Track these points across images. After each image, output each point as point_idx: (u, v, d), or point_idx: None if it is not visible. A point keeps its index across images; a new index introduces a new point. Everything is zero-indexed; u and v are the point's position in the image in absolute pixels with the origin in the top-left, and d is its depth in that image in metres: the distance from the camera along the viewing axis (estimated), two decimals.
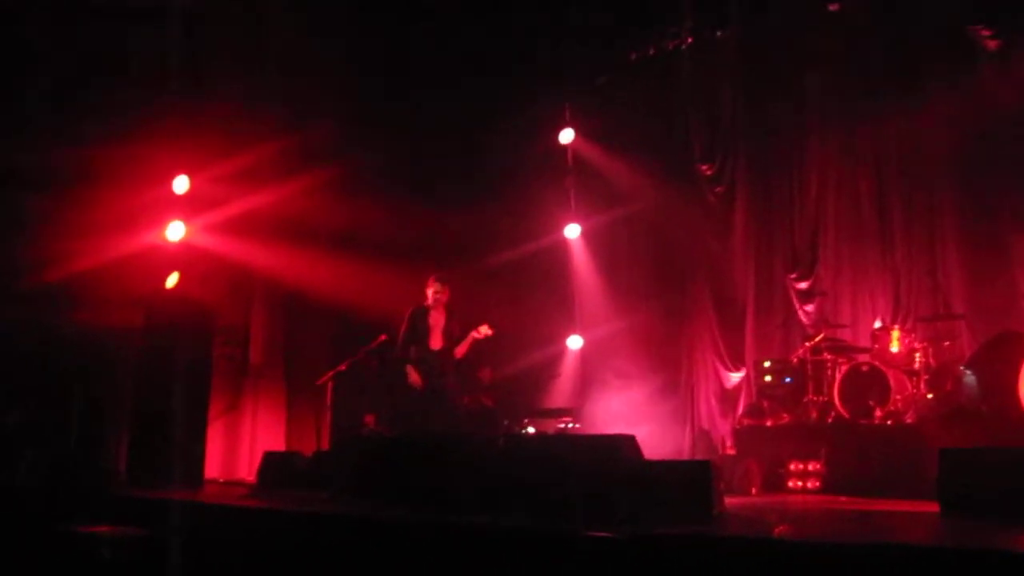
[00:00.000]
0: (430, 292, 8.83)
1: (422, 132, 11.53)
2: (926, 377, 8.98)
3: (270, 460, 8.86)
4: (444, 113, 11.56)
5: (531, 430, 10.30)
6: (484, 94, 11.38)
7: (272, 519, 6.69)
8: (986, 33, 9.46)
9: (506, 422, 10.48)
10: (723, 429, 10.78)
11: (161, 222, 10.45)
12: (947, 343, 9.29)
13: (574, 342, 11.80)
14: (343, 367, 9.63)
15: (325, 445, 10.51)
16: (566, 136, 11.99)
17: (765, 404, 9.93)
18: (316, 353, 11.45)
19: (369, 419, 11.04)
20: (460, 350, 8.81)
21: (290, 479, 8.39)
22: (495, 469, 6.82)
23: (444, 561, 5.51)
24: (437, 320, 8.82)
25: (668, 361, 11.39)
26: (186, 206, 10.60)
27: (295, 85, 11.24)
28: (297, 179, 10.83)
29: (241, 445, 11.09)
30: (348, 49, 11.40)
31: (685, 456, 10.35)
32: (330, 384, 9.64)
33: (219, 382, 11.06)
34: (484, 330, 8.69)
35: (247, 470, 10.51)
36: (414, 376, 8.69)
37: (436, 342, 8.79)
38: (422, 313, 8.82)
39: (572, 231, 11.99)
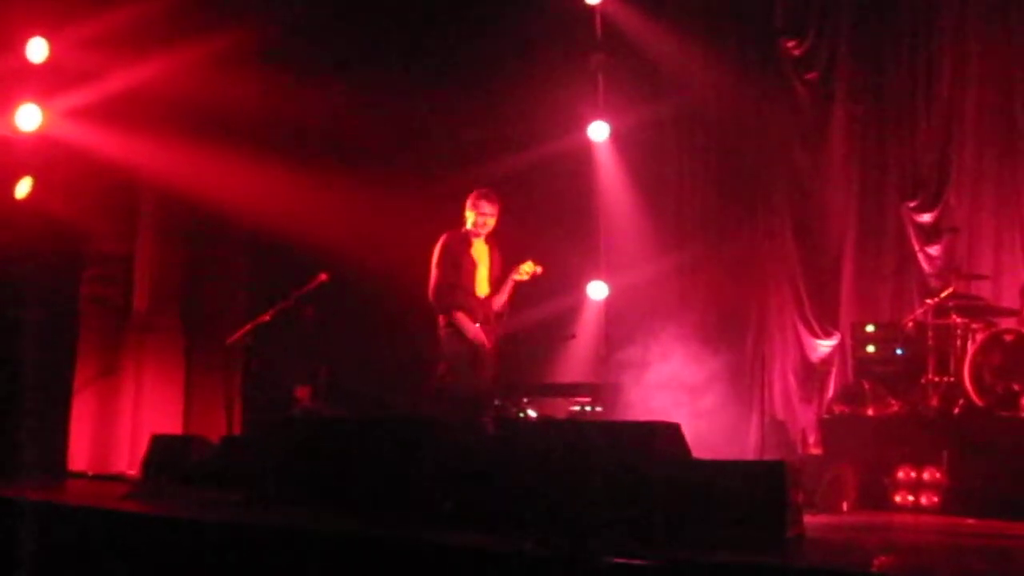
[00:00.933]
0: (475, 213, 8.68)
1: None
2: None
3: (160, 447, 8.92)
4: None
5: (532, 413, 10.35)
6: None
7: (161, 529, 6.75)
8: None
9: (498, 401, 10.52)
10: (805, 419, 10.86)
11: (7, 105, 10.37)
12: None
13: (597, 290, 11.80)
14: (266, 318, 9.64)
15: (239, 428, 10.56)
16: None
17: (866, 386, 9.98)
18: (228, 298, 11.47)
19: (302, 393, 11.08)
20: (500, 300, 8.79)
21: (188, 474, 8.44)
22: (481, 467, 6.89)
23: None
24: (481, 255, 8.75)
25: (730, 322, 11.41)
26: (43, 82, 10.51)
27: None
28: (205, 43, 10.71)
29: (120, 425, 11.13)
30: None
31: (750, 455, 10.40)
32: (247, 343, 9.65)
33: (90, 336, 11.11)
34: (527, 269, 8.68)
35: (128, 460, 10.57)
36: (472, 329, 8.57)
37: (482, 286, 8.75)
38: (462, 242, 8.71)
39: (599, 131, 11.94)
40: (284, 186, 10.94)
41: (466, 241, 8.65)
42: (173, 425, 11.00)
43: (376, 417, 9.20)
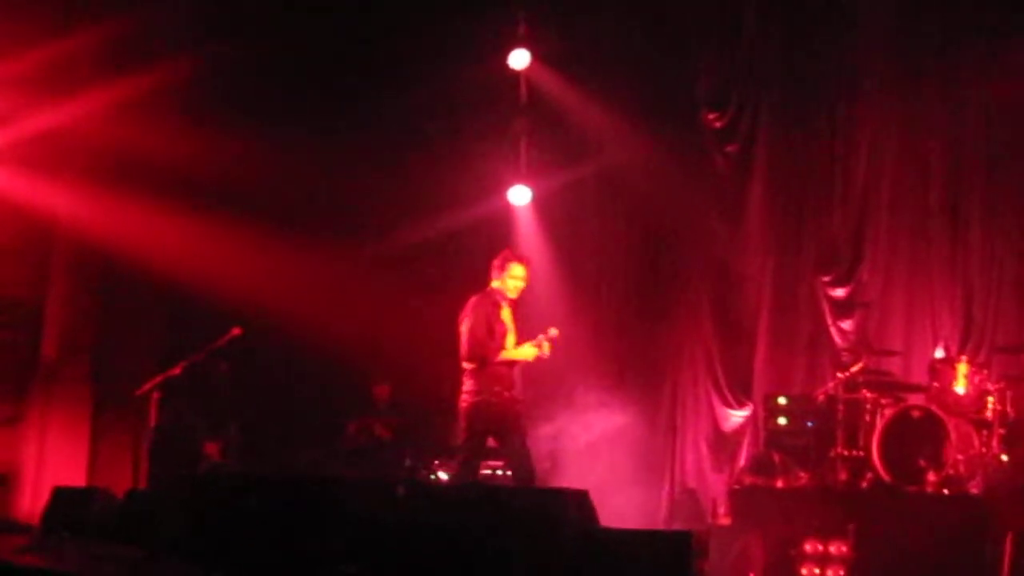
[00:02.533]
0: (508, 276, 8.60)
1: (307, 42, 11.38)
2: (1001, 431, 9.22)
3: (63, 499, 8.69)
4: (340, 18, 11.45)
5: (443, 476, 10.28)
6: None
7: None
8: None
9: (408, 462, 10.46)
10: (715, 489, 10.89)
11: None
12: None
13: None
14: (176, 371, 9.48)
15: (144, 482, 10.37)
16: (518, 59, 11.95)
17: (776, 458, 10.05)
18: (139, 348, 11.27)
19: (211, 448, 10.94)
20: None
21: (91, 528, 8.26)
22: (390, 530, 6.81)
23: None
24: (509, 321, 8.59)
25: (644, 389, 11.45)
26: None
27: None
28: (128, 90, 10.60)
29: (23, 475, 10.86)
30: None
31: (660, 524, 10.43)
32: (156, 395, 9.50)
33: None
34: (552, 333, 8.55)
35: (28, 510, 10.32)
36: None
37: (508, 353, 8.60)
38: (494, 306, 8.55)
39: (519, 195, 11.97)
40: (201, 240, 10.81)
41: (497, 305, 8.55)
42: (77, 477, 10.74)
43: (284, 476, 9.07)
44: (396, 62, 11.69)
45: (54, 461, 10.90)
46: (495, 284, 8.60)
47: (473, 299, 8.56)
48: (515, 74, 12.01)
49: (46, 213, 10.75)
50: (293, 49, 11.30)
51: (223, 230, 10.83)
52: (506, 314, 8.56)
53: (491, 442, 11.13)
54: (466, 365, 8.46)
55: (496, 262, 8.65)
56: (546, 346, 8.45)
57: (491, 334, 8.40)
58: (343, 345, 11.13)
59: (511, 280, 8.56)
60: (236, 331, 9.66)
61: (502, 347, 8.45)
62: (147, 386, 9.54)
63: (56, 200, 10.66)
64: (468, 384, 8.48)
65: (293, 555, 6.92)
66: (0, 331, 10.83)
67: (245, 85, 11.22)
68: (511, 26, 12.03)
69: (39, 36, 10.38)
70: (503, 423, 8.45)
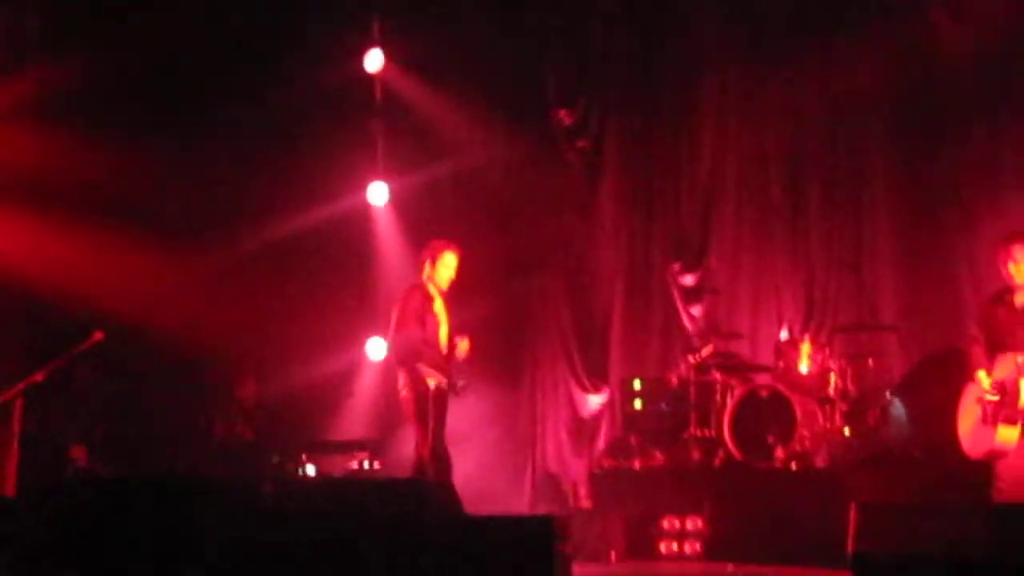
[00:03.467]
0: (441, 266, 8.47)
1: (166, 44, 11.16)
2: (843, 407, 9.44)
3: None
4: (200, 19, 11.25)
5: (311, 470, 10.20)
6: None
7: None
8: None
9: (276, 459, 10.36)
10: (576, 472, 10.99)
11: None
12: (871, 362, 9.82)
13: (375, 348, 11.75)
14: (39, 377, 9.26)
15: (11, 490, 10.10)
16: (373, 61, 11.91)
17: (633, 440, 10.20)
18: (1, 355, 10.97)
19: (78, 452, 10.69)
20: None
21: None
22: (258, 526, 6.74)
23: None
24: (442, 311, 8.44)
25: (505, 379, 11.46)
26: None
27: None
28: None
29: None
30: None
31: (524, 509, 10.47)
32: (20, 401, 9.26)
33: None
34: (464, 347, 8.49)
35: None
36: (437, 377, 8.30)
37: (443, 342, 8.47)
38: (425, 297, 8.41)
39: (378, 193, 11.93)
40: (60, 246, 10.56)
41: (428, 297, 8.41)
42: None
43: (150, 477, 8.89)
44: (255, 65, 11.50)
45: None
46: (425, 275, 8.46)
47: (407, 289, 8.44)
48: (370, 76, 11.96)
49: None
50: (152, 55, 11.05)
51: (83, 236, 10.59)
52: (439, 305, 8.42)
53: (359, 435, 11.19)
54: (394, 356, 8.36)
55: (426, 253, 8.54)
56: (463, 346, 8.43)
57: (421, 324, 8.26)
58: (208, 346, 10.98)
59: (444, 270, 8.47)
60: (98, 335, 9.47)
61: (434, 340, 8.34)
62: (9, 393, 9.31)
63: None
64: (402, 378, 8.33)
65: (161, 557, 6.82)
66: None
67: (105, 92, 10.93)
68: (366, 29, 11.98)
69: None
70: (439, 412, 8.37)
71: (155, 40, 10.97)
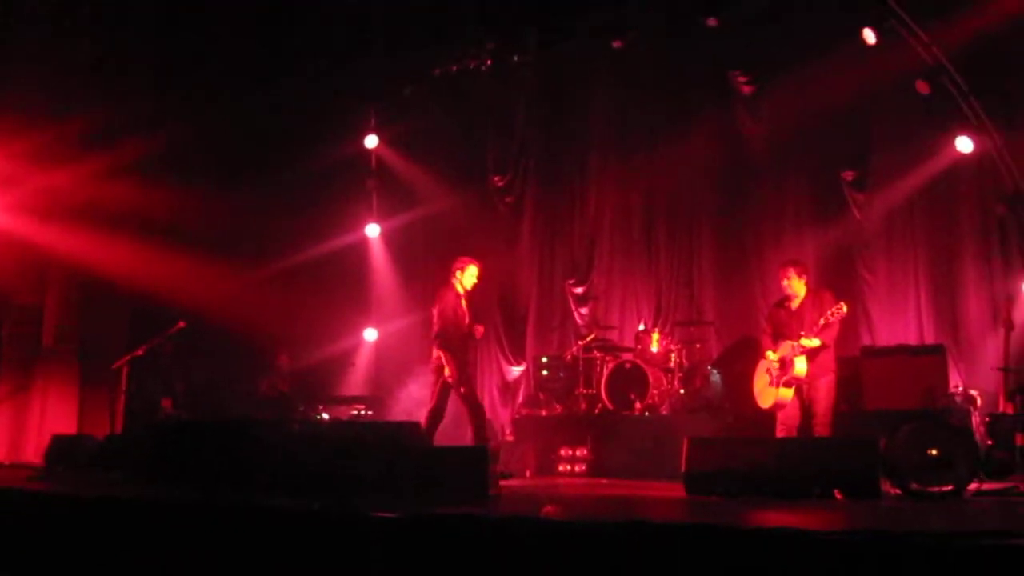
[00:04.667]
0: (469, 276, 8.05)
1: (229, 125, 11.05)
2: (680, 375, 9.52)
3: (59, 442, 8.32)
4: (253, 110, 11.15)
5: (325, 416, 10.14)
6: (294, 96, 11.06)
7: (58, 502, 6.27)
8: (742, 79, 10.19)
9: (302, 408, 10.28)
10: (504, 417, 11.01)
11: None
12: (698, 345, 9.91)
13: (370, 334, 11.72)
14: (139, 352, 9.16)
15: (119, 430, 9.93)
16: (371, 141, 11.90)
17: (541, 396, 10.24)
18: (113, 338, 10.78)
19: (166, 403, 10.55)
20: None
21: (80, 462, 7.89)
22: (287, 453, 6.71)
23: (236, 542, 5.34)
24: (465, 306, 8.03)
25: None
26: None
27: (97, 68, 10.53)
28: (97, 160, 10.14)
29: (29, 428, 10.30)
30: (154, 37, 10.78)
31: (469, 443, 10.47)
32: (125, 368, 9.14)
33: (8, 362, 10.34)
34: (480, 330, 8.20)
35: (35, 453, 9.78)
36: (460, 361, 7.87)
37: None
38: (458, 298, 7.97)
39: (372, 230, 11.92)
40: (155, 262, 10.45)
41: (459, 296, 8.04)
42: (70, 427, 10.24)
43: (216, 420, 8.82)
44: (294, 142, 11.43)
45: (52, 416, 10.39)
46: (455, 281, 8.07)
47: (446, 294, 8.02)
48: (367, 151, 11.93)
49: (44, 245, 10.26)
50: (221, 129, 10.95)
51: (173, 256, 10.50)
52: (463, 302, 8.06)
53: (358, 393, 11.11)
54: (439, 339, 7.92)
55: (456, 266, 8.12)
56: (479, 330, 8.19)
57: (456, 316, 7.94)
58: (256, 331, 10.90)
59: (469, 278, 8.06)
60: (181, 324, 9.43)
61: (463, 326, 7.96)
62: (119, 362, 9.21)
63: (51, 236, 10.17)
64: (444, 356, 7.86)
65: (223, 472, 6.76)
66: (14, 327, 10.34)
67: (186, 154, 10.83)
68: (366, 119, 11.96)
69: (40, 117, 9.89)
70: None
71: (225, 120, 10.88)
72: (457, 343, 7.90)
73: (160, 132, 10.40)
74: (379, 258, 11.91)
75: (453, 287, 8.05)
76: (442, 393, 7.94)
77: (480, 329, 8.09)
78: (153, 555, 5.34)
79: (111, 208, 10.32)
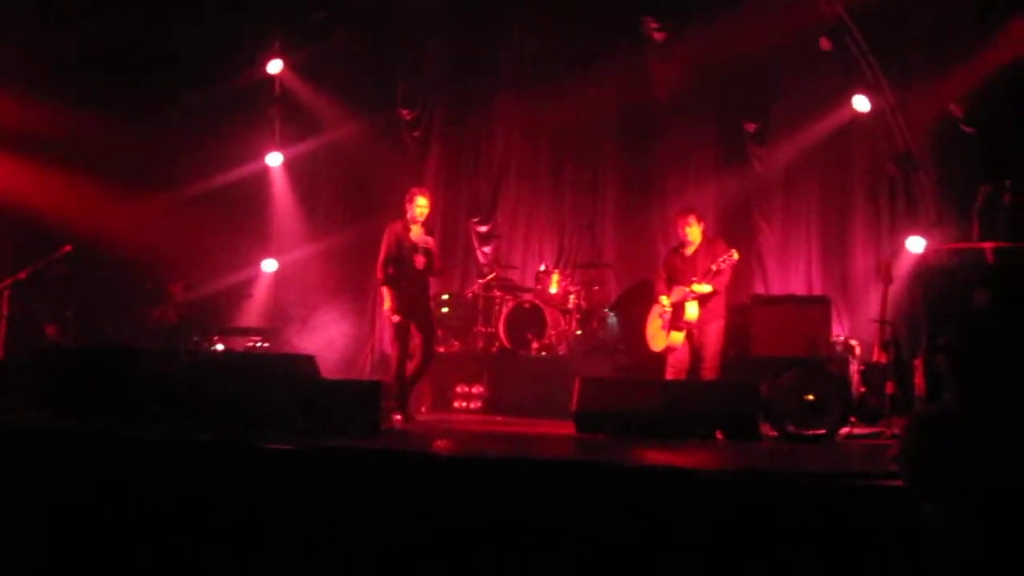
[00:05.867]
0: (413, 206, 7.80)
1: (127, 43, 10.54)
2: (577, 316, 9.67)
3: None
4: (153, 28, 10.66)
5: (220, 347, 9.98)
6: (195, 17, 10.61)
7: None
8: (654, 25, 10.26)
9: (196, 338, 10.08)
10: (400, 355, 10.97)
11: None
12: (596, 288, 10.06)
13: (269, 265, 11.52)
14: (22, 275, 8.81)
15: (1, 356, 9.58)
16: (274, 67, 11.53)
17: (440, 332, 10.21)
18: None
19: (51, 330, 10.18)
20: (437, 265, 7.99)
21: None
22: (178, 384, 6.62)
23: (123, 474, 5.27)
24: (419, 237, 7.80)
25: (356, 287, 11.33)
26: None
27: None
28: None
29: None
30: None
31: (366, 376, 10.46)
32: (6, 292, 8.79)
33: None
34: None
35: None
36: (390, 303, 7.73)
37: (418, 262, 7.78)
38: (403, 229, 7.77)
39: (274, 159, 11.62)
40: (45, 183, 10.02)
41: (406, 228, 7.81)
42: None
43: (104, 349, 8.57)
44: (196, 67, 10.97)
45: None
46: (407, 214, 7.88)
47: (389, 225, 7.88)
48: (272, 76, 11.59)
49: None
50: (118, 46, 10.43)
51: (62, 177, 10.08)
52: (416, 232, 7.77)
53: (253, 323, 10.94)
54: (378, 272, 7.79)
55: (406, 197, 7.94)
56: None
57: (398, 250, 7.73)
58: (151, 260, 10.61)
59: (417, 208, 7.83)
60: (67, 248, 9.12)
61: (410, 260, 7.72)
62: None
63: None
64: (386, 294, 7.78)
65: (112, 404, 6.63)
66: None
67: (79, 72, 10.31)
68: (270, 44, 11.59)
69: None
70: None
71: (122, 37, 10.37)
72: (395, 276, 7.74)
73: (49, 45, 9.86)
74: (281, 187, 11.62)
75: (399, 221, 7.89)
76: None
77: (420, 260, 7.79)
78: (34, 486, 5.23)
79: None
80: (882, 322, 7.37)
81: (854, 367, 7.78)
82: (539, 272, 10.02)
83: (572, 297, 9.65)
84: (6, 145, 9.86)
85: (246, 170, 11.38)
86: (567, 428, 6.91)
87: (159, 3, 10.49)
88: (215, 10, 10.76)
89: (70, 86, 10.10)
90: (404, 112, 11.52)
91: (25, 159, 9.98)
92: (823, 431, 6.44)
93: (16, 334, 9.16)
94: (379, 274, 7.88)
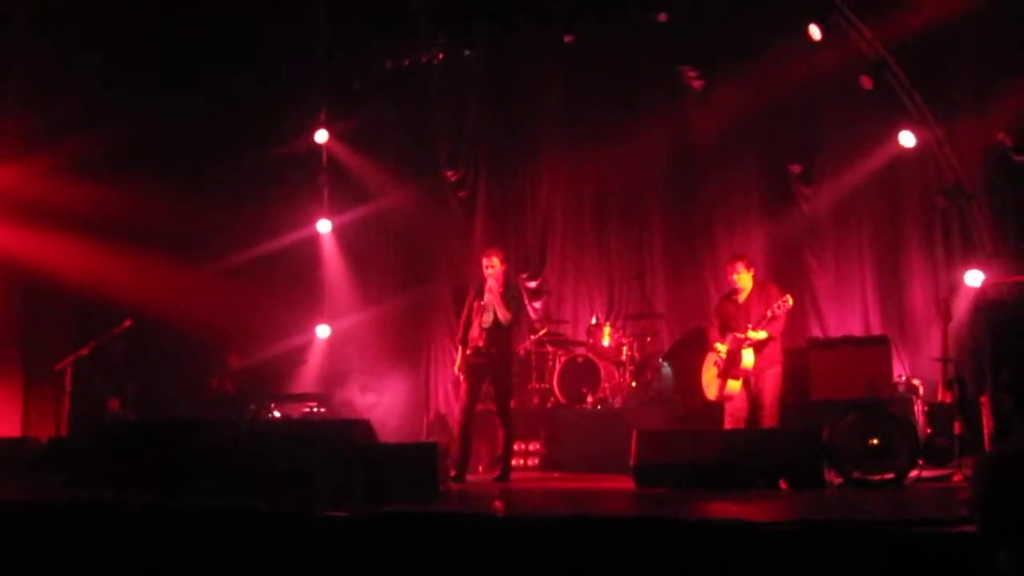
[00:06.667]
0: (484, 267, 7.98)
1: (178, 124, 10.90)
2: (631, 368, 9.59)
3: (1, 446, 8.15)
4: (202, 107, 11.02)
5: (276, 414, 10.08)
6: (242, 92, 10.95)
7: None
8: (692, 74, 10.31)
9: (253, 406, 10.20)
10: (457, 413, 10.98)
11: None
12: (649, 338, 9.99)
13: (322, 331, 11.67)
14: (84, 351, 9.03)
15: (64, 432, 9.78)
16: (321, 136, 11.83)
17: None
18: (57, 338, 10.62)
19: (114, 403, 10.40)
20: (506, 315, 7.90)
21: (23, 466, 7.75)
22: (238, 453, 6.67)
23: (183, 545, 5.31)
24: (492, 293, 7.90)
25: (411, 349, 11.48)
26: None
27: (41, 62, 10.33)
28: (37, 158, 9.98)
29: None
30: (99, 33, 10.58)
31: (423, 438, 10.45)
32: (70, 369, 9.01)
33: None
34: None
35: None
36: (457, 360, 8.03)
37: (488, 317, 7.90)
38: (478, 290, 8.00)
39: (324, 226, 11.86)
40: (101, 261, 10.29)
41: (477, 292, 8.04)
42: (12, 430, 10.06)
43: (164, 421, 8.71)
44: (243, 138, 11.30)
45: None
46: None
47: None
48: (318, 145, 11.86)
49: None
50: (168, 126, 10.76)
51: (117, 254, 10.34)
52: (489, 293, 7.89)
53: (310, 390, 11.05)
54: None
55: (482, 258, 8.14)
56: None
57: (468, 310, 8.03)
58: (206, 329, 10.79)
59: (485, 269, 8.03)
60: (127, 322, 9.33)
61: (471, 321, 7.96)
62: (62, 363, 9.07)
63: None
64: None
65: (174, 474, 6.70)
66: None
67: (131, 152, 10.65)
68: (316, 114, 11.88)
69: None
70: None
71: (173, 117, 10.71)
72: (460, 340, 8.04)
73: (103, 129, 10.23)
74: (331, 254, 11.85)
75: (475, 282, 8.15)
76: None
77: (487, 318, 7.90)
78: (96, 560, 5.29)
79: (54, 206, 10.12)
80: (945, 360, 7.20)
81: (918, 407, 7.59)
82: (590, 325, 9.97)
83: (625, 349, 9.60)
84: (65, 224, 10.18)
85: (297, 238, 11.64)
86: (626, 482, 6.81)
87: (206, 79, 10.79)
88: (261, 85, 11.07)
89: (124, 164, 10.45)
90: (449, 173, 11.68)
91: (83, 236, 10.28)
92: (891, 475, 6.25)
93: (80, 409, 9.37)
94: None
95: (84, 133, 10.13)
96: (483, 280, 8.05)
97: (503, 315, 7.84)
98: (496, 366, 7.92)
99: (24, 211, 10.04)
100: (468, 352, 7.94)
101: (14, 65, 9.91)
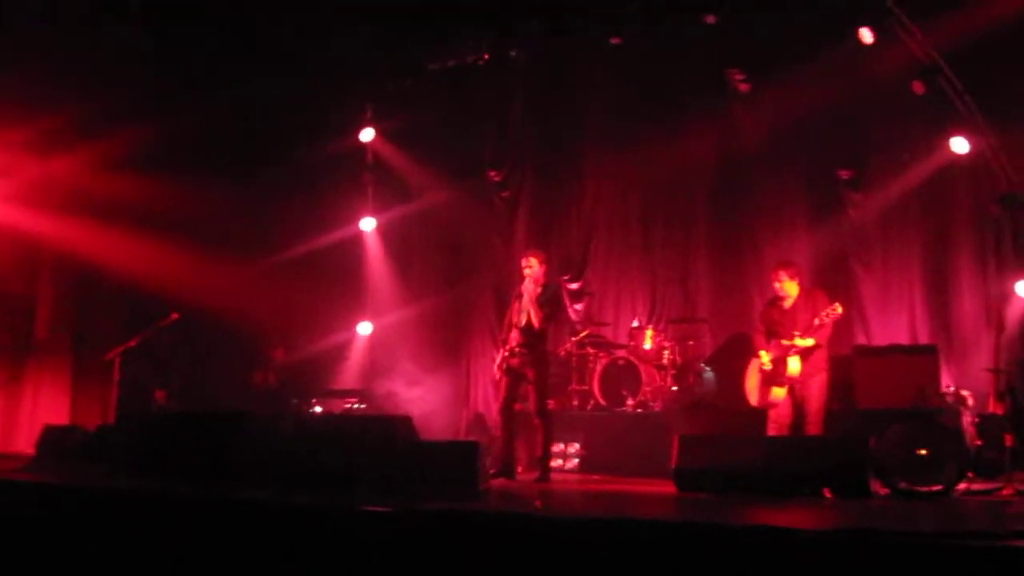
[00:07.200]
0: (523, 267, 7.98)
1: (225, 118, 11.01)
2: (673, 372, 9.52)
3: (49, 433, 8.29)
4: (249, 103, 11.11)
5: (318, 409, 10.14)
6: (289, 89, 11.03)
7: (45, 492, 6.27)
8: (739, 77, 10.18)
9: (295, 401, 10.27)
10: (495, 413, 10.97)
11: None
12: (691, 343, 9.89)
13: (364, 328, 11.72)
14: (133, 343, 9.15)
15: (111, 421, 9.92)
16: (366, 135, 11.89)
17: None
18: (107, 328, 10.79)
19: (160, 395, 10.55)
20: (537, 318, 7.81)
21: (70, 453, 7.88)
22: (279, 446, 6.71)
23: (225, 536, 5.35)
24: (528, 294, 7.89)
25: (451, 348, 11.49)
26: None
27: (97, 55, 10.50)
28: (91, 151, 10.13)
29: (20, 418, 10.29)
30: (151, 28, 10.73)
31: (461, 436, 10.44)
32: (119, 359, 9.13)
33: (1, 352, 10.33)
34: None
35: (27, 443, 9.77)
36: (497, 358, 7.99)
37: (523, 317, 7.88)
38: (515, 297, 8.00)
39: (368, 224, 11.91)
40: (151, 253, 10.45)
41: (517, 296, 8.03)
42: (61, 418, 10.25)
43: (210, 412, 8.79)
44: (291, 137, 11.41)
45: (45, 407, 10.40)
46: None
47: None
48: (363, 144, 11.92)
49: (35, 235, 10.26)
50: (217, 122, 10.88)
51: (166, 248, 10.49)
52: (527, 288, 7.87)
53: (351, 386, 11.09)
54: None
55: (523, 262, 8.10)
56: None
57: (508, 310, 8.11)
58: (251, 324, 10.91)
59: (525, 270, 8.01)
60: (175, 315, 9.43)
61: (510, 322, 7.97)
62: (111, 353, 9.20)
63: (44, 227, 10.18)
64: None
65: (218, 466, 6.75)
66: (4, 317, 10.35)
67: (181, 146, 10.79)
68: (362, 113, 11.94)
69: (34, 109, 9.85)
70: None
71: (221, 113, 10.82)
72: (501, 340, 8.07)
73: (155, 123, 10.37)
74: (374, 252, 11.90)
75: (517, 286, 8.07)
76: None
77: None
78: (138, 547, 5.34)
79: (106, 199, 10.32)
80: (996, 370, 7.02)
81: (967, 418, 7.41)
82: (632, 328, 9.93)
83: (667, 352, 9.52)
84: (118, 217, 10.34)
85: (341, 235, 11.71)
86: (666, 486, 6.73)
87: (255, 77, 10.89)
88: (309, 83, 11.15)
89: (176, 158, 10.58)
90: (493, 174, 11.67)
91: (135, 229, 10.43)
92: (939, 487, 6.10)
93: (127, 399, 9.51)
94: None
95: (138, 127, 10.27)
96: (522, 281, 8.02)
97: (536, 317, 7.82)
98: (530, 366, 7.87)
99: (78, 203, 10.23)
100: (505, 352, 7.91)
101: (70, 57, 10.05)
